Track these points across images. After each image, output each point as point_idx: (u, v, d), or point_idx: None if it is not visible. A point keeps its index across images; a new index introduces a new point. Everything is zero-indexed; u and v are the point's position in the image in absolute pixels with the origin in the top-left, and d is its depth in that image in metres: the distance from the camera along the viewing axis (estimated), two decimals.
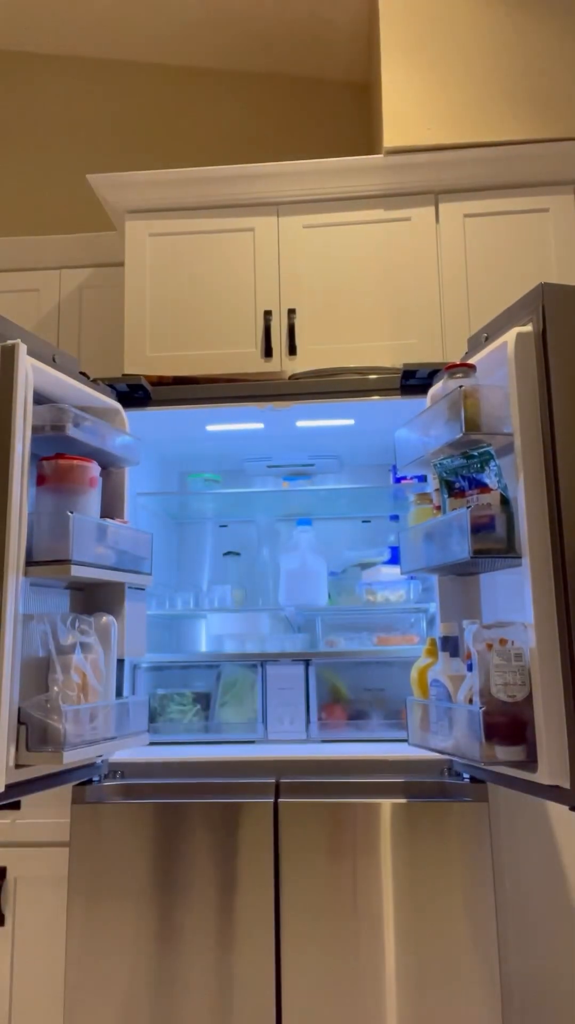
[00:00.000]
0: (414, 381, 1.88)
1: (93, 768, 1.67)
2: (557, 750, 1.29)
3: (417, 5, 2.24)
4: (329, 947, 1.58)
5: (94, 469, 1.65)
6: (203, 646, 2.41)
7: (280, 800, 1.65)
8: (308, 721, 1.98)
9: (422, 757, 1.69)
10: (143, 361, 2.15)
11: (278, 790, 1.67)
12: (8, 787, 1.37)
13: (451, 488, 1.58)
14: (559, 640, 1.32)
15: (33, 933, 1.78)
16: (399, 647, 2.07)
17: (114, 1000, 1.60)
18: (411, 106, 2.19)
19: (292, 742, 1.94)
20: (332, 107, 3.01)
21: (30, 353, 1.49)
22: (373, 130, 2.77)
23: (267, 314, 2.15)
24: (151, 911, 1.61)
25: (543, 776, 1.29)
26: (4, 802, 1.40)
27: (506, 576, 1.65)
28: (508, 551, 1.44)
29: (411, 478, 2.14)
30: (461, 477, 1.55)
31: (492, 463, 1.51)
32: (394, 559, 2.20)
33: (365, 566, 2.25)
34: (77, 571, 1.50)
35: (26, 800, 1.78)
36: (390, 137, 2.18)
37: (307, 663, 2.01)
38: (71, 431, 1.57)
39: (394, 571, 2.16)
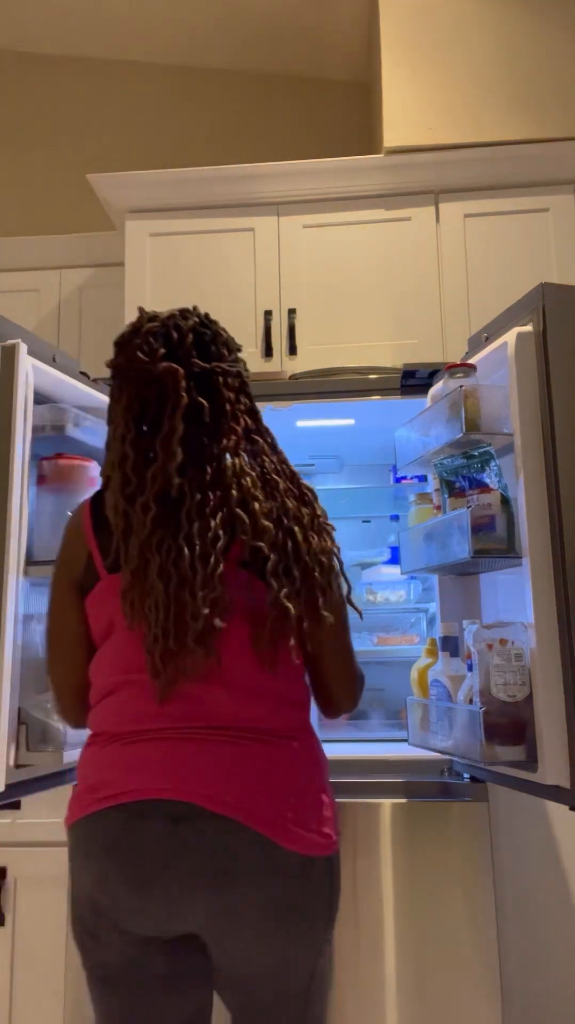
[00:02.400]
0: (414, 381, 1.88)
1: None
2: (557, 750, 1.29)
3: (417, 5, 2.24)
4: None
5: (94, 469, 1.65)
6: None
7: None
8: None
9: (422, 757, 1.69)
10: None
11: None
12: (8, 787, 1.37)
13: (451, 488, 1.58)
14: (559, 640, 1.32)
15: (33, 933, 1.78)
16: (399, 647, 2.07)
17: None
18: (411, 106, 2.19)
19: None
20: (332, 107, 3.01)
21: (30, 353, 1.49)
22: (373, 130, 2.77)
23: (267, 314, 2.15)
24: None
25: (543, 776, 1.29)
26: (4, 802, 1.40)
27: (506, 576, 1.65)
28: (508, 551, 1.44)
29: (411, 478, 2.14)
30: (461, 477, 1.55)
31: (492, 463, 1.51)
32: (394, 559, 2.20)
33: (365, 566, 2.25)
34: None
35: (26, 800, 1.78)
36: (390, 137, 2.18)
37: None
38: (71, 431, 1.57)
39: (394, 571, 2.15)
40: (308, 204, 2.20)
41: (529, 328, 1.41)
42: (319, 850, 1.09)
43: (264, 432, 1.23)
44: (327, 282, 2.17)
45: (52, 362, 1.60)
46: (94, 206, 2.82)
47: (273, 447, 1.23)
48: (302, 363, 2.11)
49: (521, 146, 2.14)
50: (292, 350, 2.12)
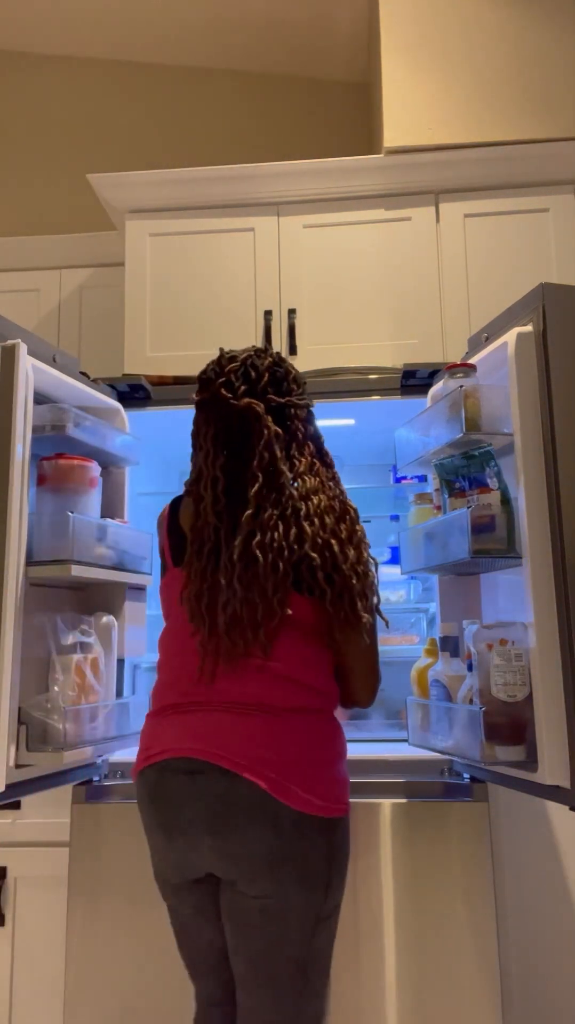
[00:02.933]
0: (414, 381, 1.88)
1: (93, 768, 1.67)
2: (557, 750, 1.29)
3: (417, 5, 2.24)
4: None
5: (94, 469, 1.65)
6: None
7: None
8: None
9: (422, 757, 1.69)
10: (143, 361, 2.15)
11: None
12: (8, 787, 1.37)
13: (451, 488, 1.58)
14: (559, 640, 1.32)
15: (33, 933, 1.78)
16: (399, 647, 2.06)
17: (114, 1000, 1.60)
18: (411, 106, 2.19)
19: None
20: (332, 107, 3.01)
21: (30, 353, 1.49)
22: (373, 130, 2.77)
23: (267, 314, 2.15)
24: (151, 911, 1.61)
25: (543, 776, 1.29)
26: (4, 802, 1.40)
27: (506, 576, 1.65)
28: (508, 551, 1.44)
29: (411, 478, 2.14)
30: (461, 477, 1.55)
31: (492, 463, 1.51)
32: (394, 559, 2.20)
33: None
34: (77, 571, 1.50)
35: (26, 800, 1.78)
36: (390, 137, 2.18)
37: None
38: (71, 431, 1.57)
39: (394, 571, 2.15)
40: (308, 204, 2.20)
41: (529, 328, 1.41)
42: (314, 809, 1.24)
43: (324, 454, 1.43)
44: (327, 282, 2.17)
45: (52, 362, 1.60)
46: (94, 206, 2.82)
47: (329, 467, 1.42)
48: (302, 363, 2.11)
49: (521, 146, 2.14)
50: (292, 350, 2.12)
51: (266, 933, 1.24)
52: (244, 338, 2.15)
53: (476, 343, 1.66)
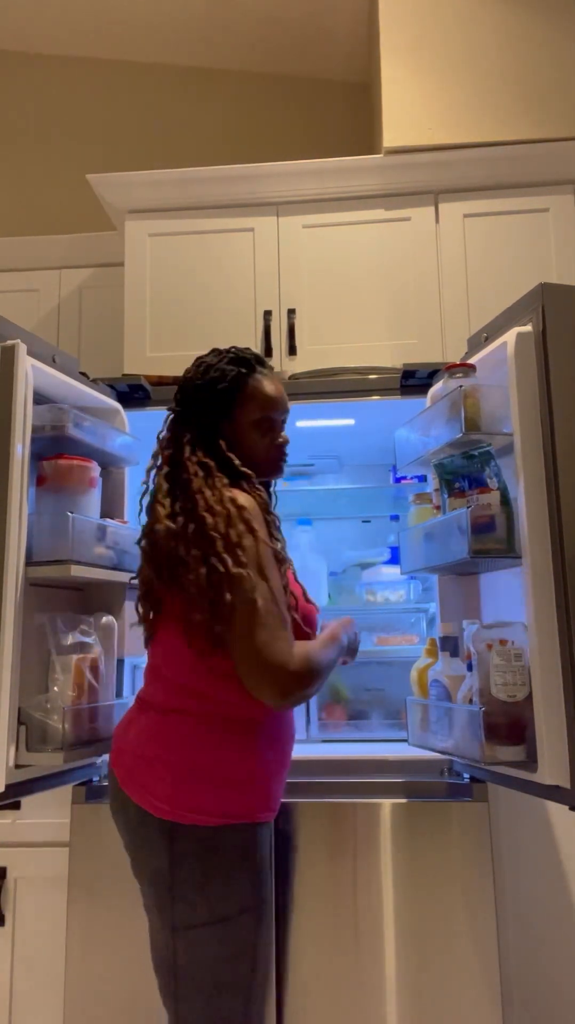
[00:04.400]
0: (414, 381, 1.88)
1: (93, 768, 1.67)
2: (557, 750, 1.29)
3: (417, 5, 2.24)
4: (329, 947, 1.58)
5: (94, 469, 1.65)
6: None
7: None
8: (308, 721, 1.97)
9: (422, 757, 1.69)
10: (143, 361, 2.15)
11: None
12: (8, 787, 1.37)
13: (451, 488, 1.58)
14: (559, 640, 1.32)
15: (33, 933, 1.78)
16: (399, 647, 2.06)
17: (114, 1000, 1.60)
18: (411, 106, 2.19)
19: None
20: (332, 107, 3.01)
21: (30, 353, 1.49)
22: (373, 130, 2.77)
23: (267, 314, 2.15)
24: None
25: (543, 776, 1.29)
26: (4, 802, 1.40)
27: (506, 576, 1.65)
28: (508, 551, 1.44)
29: (411, 478, 2.14)
30: (461, 477, 1.55)
31: (492, 463, 1.51)
32: (394, 559, 2.20)
33: (365, 566, 2.25)
34: (77, 571, 1.50)
35: (26, 800, 1.77)
36: (390, 137, 2.18)
37: None
38: (71, 431, 1.57)
39: (394, 571, 2.15)
40: (308, 204, 2.20)
41: (529, 328, 1.41)
42: (154, 810, 1.24)
43: (218, 454, 1.35)
44: (327, 282, 2.17)
45: (52, 362, 1.60)
46: (94, 206, 2.82)
47: (216, 465, 1.33)
48: (302, 363, 2.11)
49: (521, 146, 2.14)
50: (292, 350, 2.12)
51: (151, 927, 1.28)
52: (243, 338, 2.15)
53: (476, 343, 1.66)
